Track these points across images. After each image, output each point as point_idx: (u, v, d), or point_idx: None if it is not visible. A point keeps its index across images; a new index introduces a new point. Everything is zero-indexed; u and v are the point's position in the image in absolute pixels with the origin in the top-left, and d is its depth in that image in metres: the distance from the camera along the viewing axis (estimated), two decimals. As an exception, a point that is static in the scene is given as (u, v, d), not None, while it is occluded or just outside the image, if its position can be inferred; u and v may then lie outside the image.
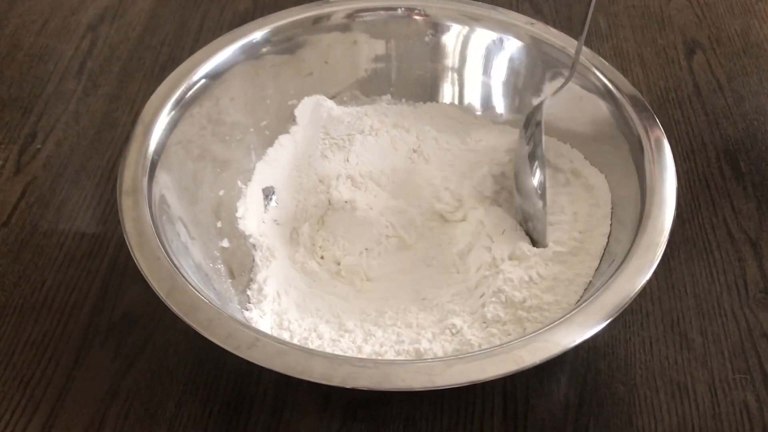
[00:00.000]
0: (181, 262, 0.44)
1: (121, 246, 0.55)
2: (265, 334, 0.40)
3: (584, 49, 0.54)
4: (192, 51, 0.59)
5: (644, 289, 0.50)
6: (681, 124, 0.63)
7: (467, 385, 0.46)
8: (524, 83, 0.56)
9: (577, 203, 0.51)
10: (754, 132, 0.62)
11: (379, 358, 0.43)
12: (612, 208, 0.50)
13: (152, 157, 0.48)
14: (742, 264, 0.54)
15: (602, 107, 0.52)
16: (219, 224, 0.52)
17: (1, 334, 0.50)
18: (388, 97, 0.59)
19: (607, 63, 0.54)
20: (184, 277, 0.42)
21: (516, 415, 0.47)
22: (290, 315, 0.47)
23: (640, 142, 0.48)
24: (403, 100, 0.59)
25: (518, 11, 0.58)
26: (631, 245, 0.43)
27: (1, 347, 0.49)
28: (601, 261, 0.48)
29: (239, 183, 0.54)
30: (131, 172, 0.46)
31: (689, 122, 0.63)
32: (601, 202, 0.51)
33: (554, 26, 0.57)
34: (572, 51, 0.53)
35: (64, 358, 0.49)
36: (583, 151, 0.54)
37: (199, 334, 0.41)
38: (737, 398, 0.47)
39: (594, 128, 0.53)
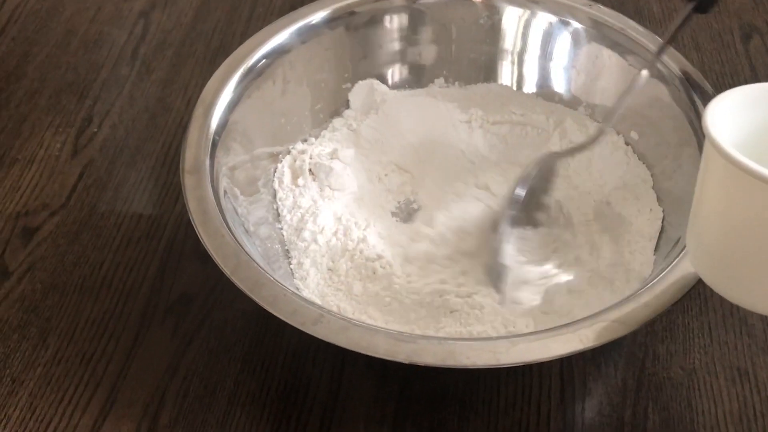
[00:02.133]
0: (244, 240, 0.44)
1: (178, 227, 0.55)
2: (328, 311, 0.40)
3: (642, 29, 0.53)
4: (243, 37, 0.60)
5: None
6: (737, 110, 0.62)
7: (525, 369, 0.47)
8: (581, 65, 0.55)
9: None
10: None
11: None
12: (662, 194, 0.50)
13: (213, 137, 0.48)
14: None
15: (663, 90, 0.51)
16: (275, 205, 0.52)
17: (62, 313, 0.51)
18: (441, 80, 0.59)
19: (671, 48, 0.53)
20: (247, 254, 0.42)
21: (573, 398, 0.46)
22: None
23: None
24: (456, 83, 0.59)
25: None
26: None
27: (63, 325, 0.50)
28: (659, 242, 0.47)
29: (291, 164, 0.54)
30: (193, 151, 0.47)
31: (746, 107, 0.62)
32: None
33: (611, 8, 0.57)
34: (632, 32, 0.53)
35: (124, 336, 0.50)
36: (641, 133, 0.53)
37: (256, 313, 0.42)
38: (800, 384, 0.47)
39: (655, 111, 0.52)
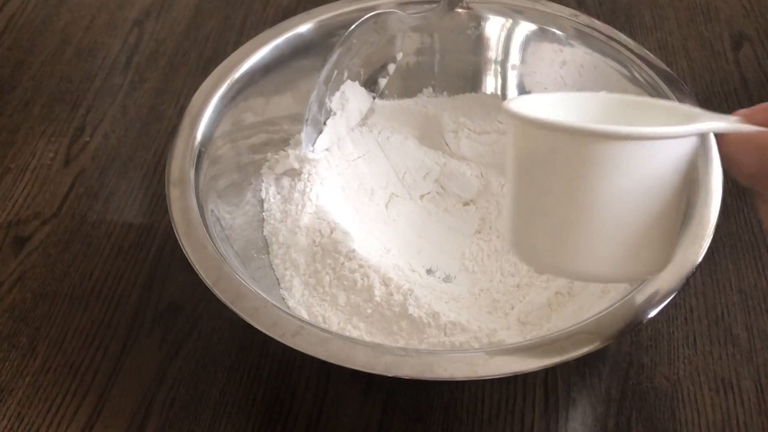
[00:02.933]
0: (227, 251, 0.44)
1: (167, 237, 0.56)
2: (309, 323, 0.40)
3: (629, 40, 0.53)
4: (236, 46, 0.60)
5: (688, 283, 0.50)
6: (727, 118, 0.62)
7: (509, 379, 0.47)
8: (566, 73, 0.56)
9: None
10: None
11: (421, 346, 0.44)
12: None
13: (199, 149, 0.48)
14: (789, 259, 0.53)
15: (645, 97, 0.51)
16: (261, 215, 0.53)
17: (51, 321, 0.51)
18: (430, 90, 0.59)
19: (652, 55, 0.53)
20: (230, 265, 0.43)
21: (557, 407, 0.47)
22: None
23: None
24: (445, 92, 0.59)
25: (562, 3, 0.58)
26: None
27: (52, 334, 0.51)
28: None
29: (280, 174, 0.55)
30: (179, 162, 0.47)
31: (735, 115, 0.62)
32: None
33: (598, 18, 0.57)
34: (617, 43, 0.53)
35: (112, 346, 0.50)
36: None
37: (243, 323, 0.42)
38: (784, 395, 0.47)
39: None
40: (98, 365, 0.49)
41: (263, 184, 0.54)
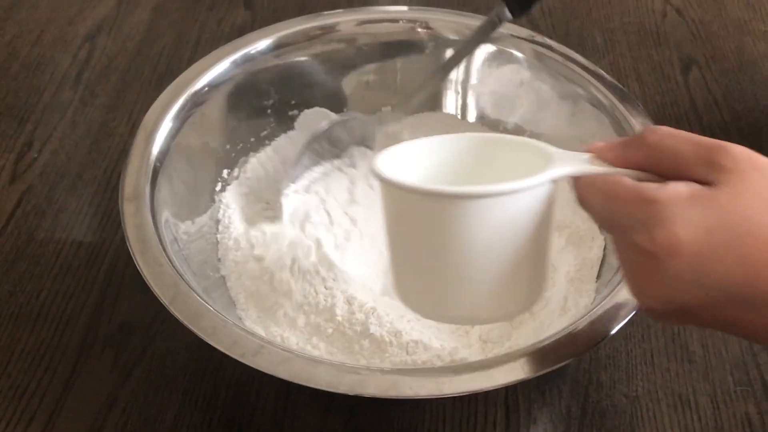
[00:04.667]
0: (183, 269, 0.43)
1: (119, 255, 0.54)
2: (269, 341, 0.39)
3: (585, 61, 0.54)
4: (190, 63, 0.59)
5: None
6: (678, 139, 0.63)
7: (470, 398, 0.47)
8: (525, 95, 0.56)
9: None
10: (750, 148, 0.63)
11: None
12: None
13: (154, 164, 0.47)
14: (741, 277, 0.54)
15: (603, 119, 0.52)
16: (218, 236, 0.52)
17: (-4, 343, 0.49)
18: (389, 109, 0.59)
19: (607, 76, 0.54)
20: (187, 283, 0.41)
21: (519, 426, 0.46)
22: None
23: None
24: (404, 112, 0.59)
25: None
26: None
27: (-3, 356, 0.49)
28: (600, 271, 0.48)
29: (238, 191, 0.54)
30: (133, 178, 0.46)
31: (686, 137, 0.64)
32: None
33: (555, 39, 0.58)
34: (574, 63, 0.54)
35: (60, 368, 0.48)
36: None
37: (199, 343, 0.41)
38: (739, 410, 0.47)
39: (595, 140, 0.53)
40: (45, 388, 0.47)
41: (221, 205, 0.53)
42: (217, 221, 0.52)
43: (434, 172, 0.37)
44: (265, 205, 0.54)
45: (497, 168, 0.37)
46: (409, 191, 0.34)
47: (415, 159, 0.37)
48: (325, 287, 0.48)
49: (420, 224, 0.35)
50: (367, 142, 0.55)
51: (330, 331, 0.46)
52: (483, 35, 0.54)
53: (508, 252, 0.34)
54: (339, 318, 0.46)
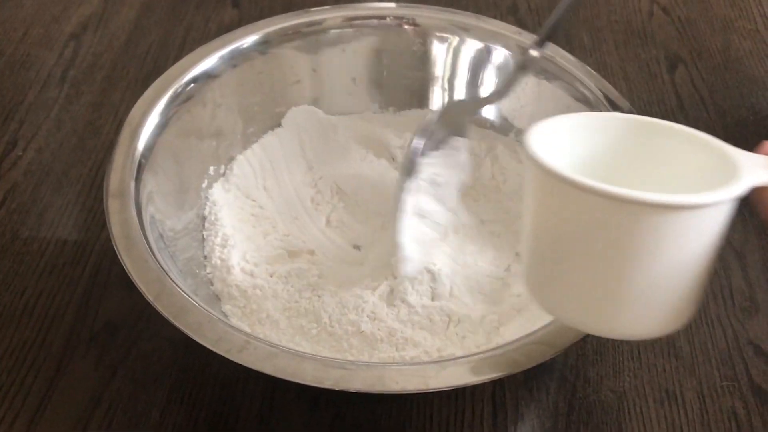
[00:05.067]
0: (169, 266, 0.43)
1: (104, 254, 0.54)
2: (255, 337, 0.39)
3: (571, 57, 0.54)
4: (176, 60, 0.59)
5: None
6: (664, 137, 0.64)
7: (457, 393, 0.47)
8: (511, 92, 0.56)
9: None
10: (736, 145, 0.63)
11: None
12: None
13: (139, 160, 0.47)
14: (728, 274, 0.54)
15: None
16: (204, 233, 0.51)
17: (-21, 343, 0.49)
18: (376, 106, 0.59)
19: (594, 72, 0.54)
20: (172, 280, 0.41)
21: (506, 422, 0.46)
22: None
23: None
24: (391, 109, 0.59)
25: (503, 24, 0.59)
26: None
27: (-20, 355, 0.48)
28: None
29: (224, 188, 0.53)
30: (118, 174, 0.46)
31: (672, 135, 0.64)
32: None
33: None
34: (560, 59, 0.54)
35: (44, 367, 0.48)
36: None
37: (184, 342, 0.41)
38: (725, 405, 0.47)
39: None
40: (29, 388, 0.47)
41: (208, 202, 0.52)
42: (204, 218, 0.52)
43: (584, 159, 0.34)
44: (252, 203, 0.54)
45: (656, 160, 0.33)
46: (591, 192, 0.30)
47: (562, 141, 0.33)
48: (312, 291, 0.48)
49: (596, 231, 0.31)
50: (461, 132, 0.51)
51: (314, 332, 0.46)
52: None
53: (690, 268, 0.31)
54: (325, 320, 0.46)
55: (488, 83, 0.57)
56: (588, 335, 0.41)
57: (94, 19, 0.72)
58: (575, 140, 0.35)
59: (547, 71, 0.54)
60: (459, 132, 0.51)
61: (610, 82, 0.54)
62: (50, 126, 0.63)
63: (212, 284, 0.49)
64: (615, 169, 0.35)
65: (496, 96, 0.51)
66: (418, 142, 0.48)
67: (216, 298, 0.48)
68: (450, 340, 0.46)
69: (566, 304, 0.35)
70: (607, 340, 0.50)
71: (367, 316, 0.46)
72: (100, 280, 0.52)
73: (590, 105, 0.52)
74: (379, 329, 0.46)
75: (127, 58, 0.69)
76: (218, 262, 0.49)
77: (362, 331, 0.46)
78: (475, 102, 0.54)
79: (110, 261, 0.53)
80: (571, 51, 0.57)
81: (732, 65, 0.70)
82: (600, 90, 0.52)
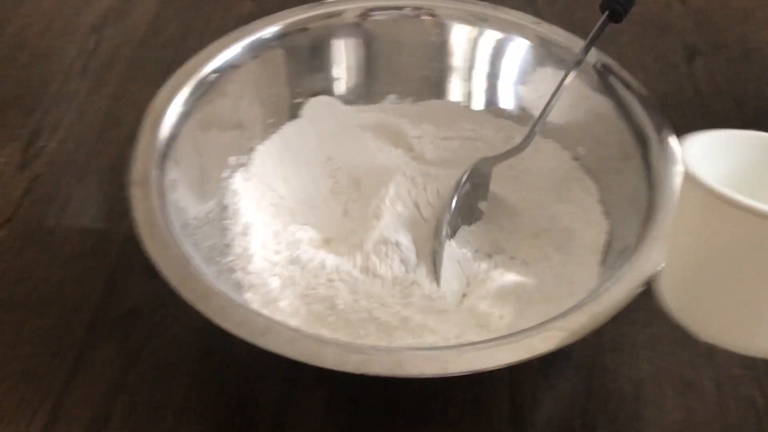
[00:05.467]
0: (192, 253, 0.44)
1: (127, 242, 0.54)
2: (277, 322, 0.40)
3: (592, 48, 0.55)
4: (195, 53, 0.60)
5: (649, 286, 0.51)
6: (682, 129, 0.63)
7: (475, 380, 0.47)
8: (529, 81, 0.57)
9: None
10: (754, 135, 0.63)
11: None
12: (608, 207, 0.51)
13: (161, 149, 0.48)
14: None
15: (608, 105, 0.52)
16: (225, 222, 0.52)
17: (4, 329, 0.50)
18: (394, 96, 0.59)
19: (612, 61, 0.54)
20: (194, 266, 0.42)
21: (523, 409, 0.47)
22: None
23: (646, 138, 0.49)
24: (409, 99, 0.59)
25: (520, 15, 0.59)
26: (639, 238, 0.44)
27: (7, 340, 0.49)
28: (606, 255, 0.48)
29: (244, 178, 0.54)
30: (141, 162, 0.46)
31: (691, 126, 0.63)
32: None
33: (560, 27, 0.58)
34: (577, 50, 0.54)
35: (69, 352, 0.49)
36: (588, 148, 0.54)
37: (206, 327, 0.41)
38: (743, 394, 0.48)
39: (600, 126, 0.53)
40: (55, 373, 0.48)
41: (229, 192, 0.53)
42: (225, 207, 0.52)
43: (723, 177, 0.35)
44: (272, 193, 0.54)
45: None
46: (752, 212, 0.31)
47: (703, 158, 0.34)
48: (327, 279, 0.48)
49: (753, 247, 0.32)
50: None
51: (331, 319, 0.46)
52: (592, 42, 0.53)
53: None
54: (341, 307, 0.46)
55: (507, 74, 0.57)
56: (606, 324, 0.42)
57: (115, 12, 0.73)
58: (713, 157, 0.36)
59: (565, 61, 0.55)
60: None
61: (628, 73, 0.54)
62: (72, 117, 0.64)
63: (234, 272, 0.49)
64: (750, 187, 0.36)
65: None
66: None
67: (237, 286, 0.48)
68: (466, 326, 0.46)
69: (717, 322, 0.36)
70: (625, 330, 0.50)
71: (377, 303, 0.47)
72: (123, 268, 0.53)
73: (609, 95, 0.52)
74: (391, 315, 0.46)
75: (146, 49, 0.70)
76: (239, 250, 0.50)
77: (376, 318, 0.46)
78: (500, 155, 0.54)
79: (132, 249, 0.53)
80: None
81: (751, 56, 0.70)
82: (620, 80, 0.52)
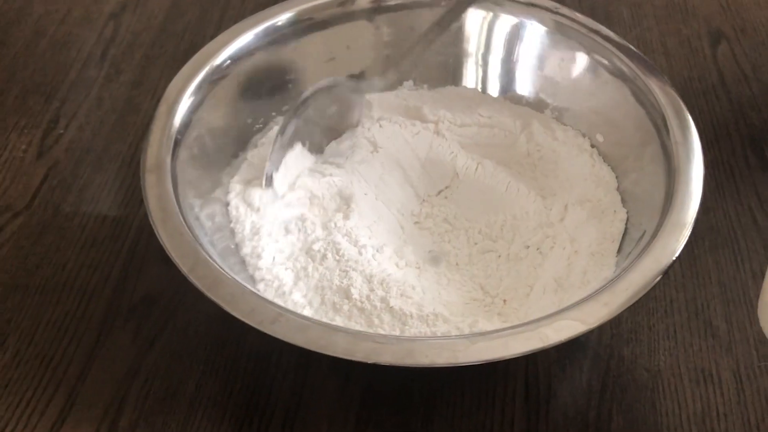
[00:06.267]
0: (202, 239, 0.44)
1: (143, 229, 0.55)
2: (287, 310, 0.40)
3: (610, 33, 0.54)
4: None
5: (668, 276, 0.50)
6: (705, 114, 0.63)
7: (489, 370, 0.47)
8: (547, 67, 0.56)
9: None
10: (779, 122, 0.62)
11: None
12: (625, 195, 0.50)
13: (175, 136, 0.48)
14: (768, 252, 0.53)
15: (626, 90, 0.51)
16: (233, 211, 0.51)
17: (23, 314, 0.50)
18: (410, 83, 0.59)
19: (633, 48, 0.53)
20: (206, 253, 0.42)
21: (538, 400, 0.46)
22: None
23: (666, 124, 0.48)
24: (425, 85, 0.59)
25: (542, 0, 0.58)
26: (657, 227, 0.43)
27: (24, 326, 0.50)
28: (622, 243, 0.47)
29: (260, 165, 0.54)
30: (155, 149, 0.46)
31: (713, 111, 0.63)
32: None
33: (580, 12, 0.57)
34: (598, 35, 0.53)
35: (85, 338, 0.49)
36: (606, 135, 0.53)
37: (220, 315, 0.41)
38: (763, 385, 0.47)
39: (617, 112, 0.52)
40: (71, 358, 0.48)
41: (243, 180, 0.53)
42: (233, 193, 0.52)
43: None
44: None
45: None
46: None
47: None
48: (340, 269, 0.48)
49: None
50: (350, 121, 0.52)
51: (346, 308, 0.46)
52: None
53: None
54: (355, 297, 0.46)
55: (524, 60, 0.56)
56: (622, 313, 0.41)
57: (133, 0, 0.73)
58: None
59: (583, 46, 0.54)
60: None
61: (650, 58, 0.53)
62: (91, 104, 0.64)
63: (245, 265, 0.49)
64: None
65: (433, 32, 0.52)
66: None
67: (251, 279, 0.48)
68: (480, 315, 0.46)
69: None
70: (642, 319, 0.50)
71: (396, 292, 0.46)
72: (139, 255, 0.53)
73: (627, 80, 0.51)
74: (407, 305, 0.46)
75: (165, 36, 0.70)
76: (249, 249, 0.49)
77: (392, 307, 0.46)
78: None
79: (148, 236, 0.54)
80: (610, 27, 0.56)
81: (777, 41, 0.68)
82: (638, 65, 0.51)
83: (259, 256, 0.48)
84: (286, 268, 0.48)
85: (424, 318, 0.46)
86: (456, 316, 0.46)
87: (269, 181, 0.49)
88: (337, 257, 0.48)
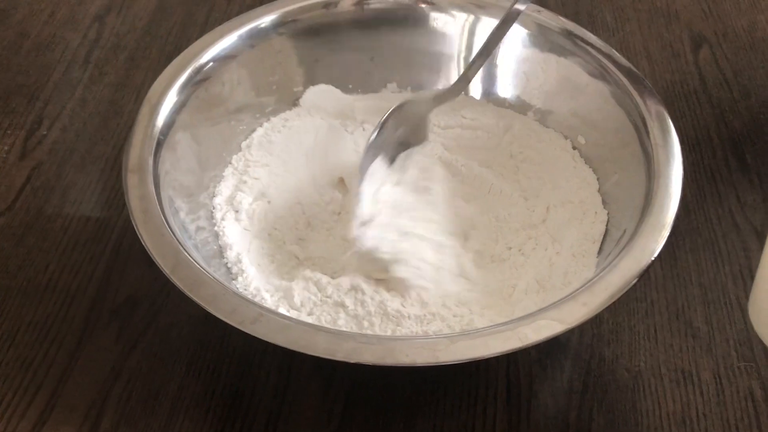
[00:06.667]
0: (184, 240, 0.44)
1: (126, 230, 0.55)
2: (269, 310, 0.40)
3: (593, 37, 0.54)
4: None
5: (649, 277, 0.51)
6: (687, 117, 0.63)
7: (471, 370, 0.47)
8: (529, 70, 0.56)
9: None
10: (760, 125, 0.62)
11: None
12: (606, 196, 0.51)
13: (158, 137, 0.48)
14: (748, 254, 0.54)
15: (606, 92, 0.52)
16: (215, 212, 0.51)
17: (4, 316, 0.50)
18: (394, 85, 0.59)
19: (615, 52, 0.54)
20: (188, 253, 0.42)
21: (519, 400, 0.46)
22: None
23: (645, 126, 0.48)
24: (409, 88, 0.59)
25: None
26: (637, 226, 0.43)
27: (5, 328, 0.49)
28: (603, 244, 0.48)
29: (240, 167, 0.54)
30: (137, 150, 0.46)
31: (695, 115, 0.63)
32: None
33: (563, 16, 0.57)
34: (580, 40, 0.54)
35: (67, 340, 0.49)
36: (588, 137, 0.54)
37: (202, 316, 0.41)
38: (742, 386, 0.47)
39: (599, 114, 0.53)
40: (52, 360, 0.48)
41: (225, 183, 0.53)
42: (222, 197, 0.52)
43: None
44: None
45: None
46: None
47: None
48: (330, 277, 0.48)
49: None
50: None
51: (342, 315, 0.46)
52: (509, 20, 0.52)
53: None
54: (350, 306, 0.46)
55: (507, 63, 0.57)
56: (603, 314, 0.41)
57: (118, 1, 0.73)
58: None
59: (565, 49, 0.54)
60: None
61: (633, 62, 0.53)
62: (74, 106, 0.64)
63: (228, 267, 0.49)
64: None
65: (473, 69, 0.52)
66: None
67: (230, 277, 0.48)
68: (473, 313, 0.46)
69: None
70: (623, 320, 0.50)
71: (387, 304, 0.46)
72: (122, 256, 0.53)
73: (608, 83, 0.52)
74: (399, 304, 0.46)
75: (149, 39, 0.70)
76: (237, 236, 0.50)
77: (382, 311, 0.45)
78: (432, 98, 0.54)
79: (131, 237, 0.53)
80: (593, 31, 0.57)
81: (758, 46, 0.69)
82: (619, 69, 0.52)
83: (240, 261, 0.48)
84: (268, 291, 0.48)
85: (420, 318, 0.45)
86: (448, 314, 0.46)
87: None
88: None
